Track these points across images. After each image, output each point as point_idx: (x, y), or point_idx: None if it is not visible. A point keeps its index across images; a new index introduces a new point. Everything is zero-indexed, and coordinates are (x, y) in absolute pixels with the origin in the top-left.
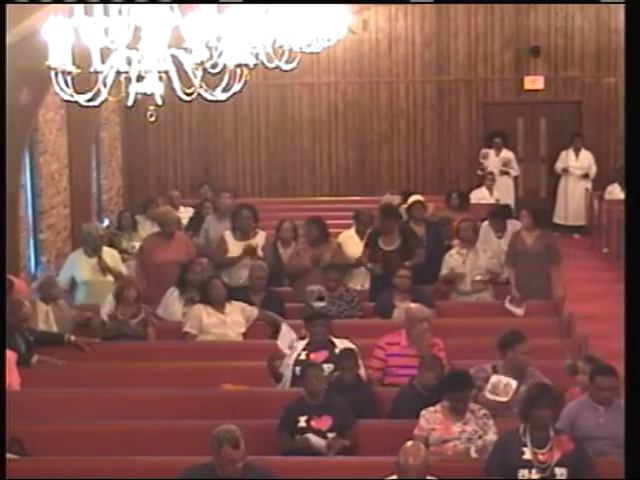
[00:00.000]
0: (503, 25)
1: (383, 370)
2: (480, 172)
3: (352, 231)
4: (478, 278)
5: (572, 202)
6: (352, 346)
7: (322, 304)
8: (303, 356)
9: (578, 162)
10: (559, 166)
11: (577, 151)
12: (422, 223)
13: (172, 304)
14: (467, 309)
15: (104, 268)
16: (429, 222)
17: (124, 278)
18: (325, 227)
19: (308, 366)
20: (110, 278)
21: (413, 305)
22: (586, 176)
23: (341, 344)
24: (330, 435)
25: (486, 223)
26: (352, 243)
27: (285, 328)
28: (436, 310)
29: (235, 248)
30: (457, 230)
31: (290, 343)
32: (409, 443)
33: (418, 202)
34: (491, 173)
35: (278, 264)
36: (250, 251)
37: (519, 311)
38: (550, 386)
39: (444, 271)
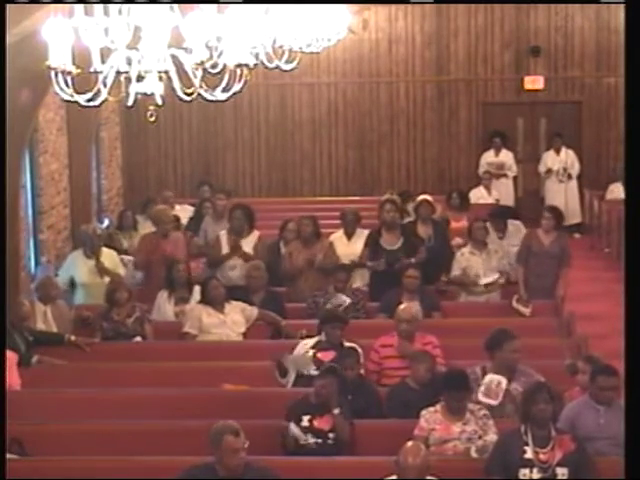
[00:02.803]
0: (503, 25)
1: (378, 372)
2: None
3: (341, 232)
4: (491, 280)
5: (568, 201)
6: (357, 347)
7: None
8: (310, 354)
9: (560, 162)
10: (542, 169)
11: (557, 151)
12: (429, 223)
13: (163, 305)
14: (473, 309)
15: (102, 270)
16: (436, 222)
17: (114, 281)
18: (318, 226)
19: (327, 370)
20: (108, 280)
21: (402, 305)
22: (569, 176)
23: (349, 345)
24: (331, 435)
25: (487, 224)
26: (340, 244)
27: (302, 356)
28: (442, 310)
29: (228, 248)
30: (469, 230)
31: (298, 368)
32: (409, 443)
33: (426, 201)
34: (488, 172)
35: (279, 264)
36: (236, 249)
37: (526, 310)
38: (546, 383)
39: (456, 271)
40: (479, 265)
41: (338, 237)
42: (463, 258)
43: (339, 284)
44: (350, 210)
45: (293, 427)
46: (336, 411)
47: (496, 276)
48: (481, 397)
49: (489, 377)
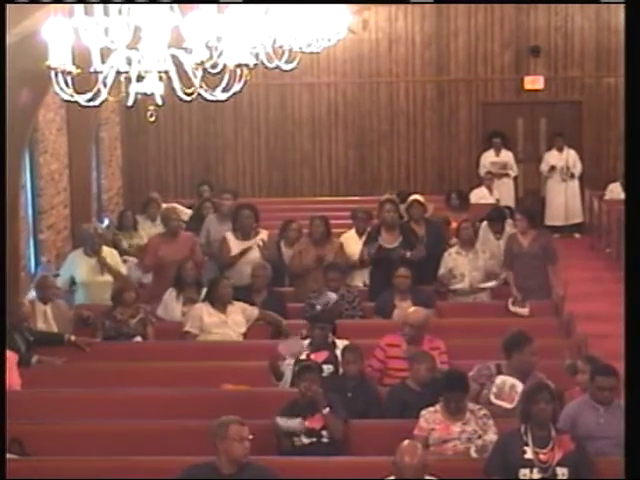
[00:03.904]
0: (503, 25)
1: (381, 371)
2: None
3: (352, 231)
4: (487, 285)
5: (568, 201)
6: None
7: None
8: (304, 356)
9: (562, 161)
10: (544, 168)
11: (560, 150)
12: (422, 223)
13: (170, 304)
14: (467, 309)
15: (103, 265)
16: (429, 222)
17: (122, 280)
18: (329, 226)
19: (304, 369)
20: (109, 278)
21: (411, 308)
22: (572, 175)
23: (342, 345)
24: (324, 433)
25: (485, 224)
26: (352, 243)
27: (294, 340)
28: (436, 310)
29: (236, 248)
30: (457, 230)
31: (294, 353)
32: (406, 442)
33: (417, 202)
34: (490, 172)
35: (281, 264)
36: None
37: (524, 311)
38: (547, 383)
39: (442, 270)
40: (465, 265)
41: (350, 236)
42: (450, 258)
43: (332, 283)
44: (361, 209)
45: (282, 421)
46: (326, 409)
47: (482, 282)
48: (493, 399)
49: (501, 379)
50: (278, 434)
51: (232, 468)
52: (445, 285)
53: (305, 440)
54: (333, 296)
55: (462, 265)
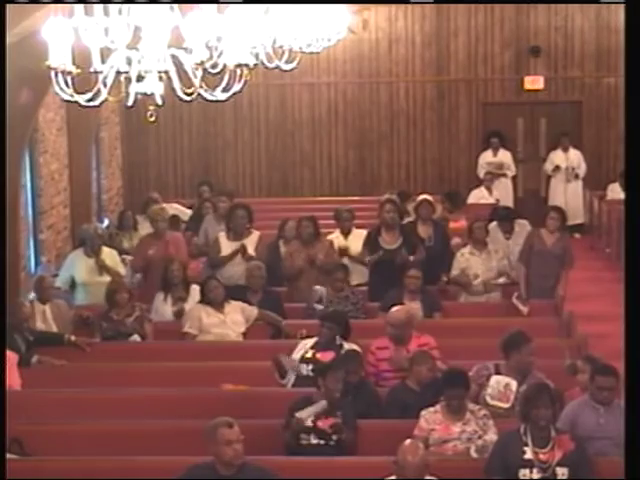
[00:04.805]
0: (503, 25)
1: (375, 375)
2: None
3: (337, 232)
4: (499, 281)
5: (569, 201)
6: (357, 348)
7: (320, 307)
8: (310, 354)
9: (567, 161)
10: (549, 167)
11: (565, 150)
12: (429, 223)
13: (161, 307)
14: (473, 309)
15: (102, 267)
16: (436, 222)
17: (115, 282)
18: (318, 226)
19: (327, 368)
20: (109, 278)
21: (393, 308)
22: (576, 176)
23: (349, 347)
24: (334, 437)
25: (494, 224)
26: (337, 243)
27: (288, 361)
28: (443, 311)
29: (228, 248)
30: (469, 230)
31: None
32: (407, 441)
33: (427, 201)
34: (490, 173)
35: (279, 264)
36: (241, 250)
37: (524, 309)
38: (548, 385)
39: (455, 272)
40: (478, 265)
41: (334, 237)
42: (463, 258)
43: (338, 283)
44: (343, 208)
45: (303, 413)
46: (339, 413)
47: (497, 279)
48: (489, 400)
49: (495, 379)
50: (289, 427)
51: (229, 469)
52: (460, 286)
53: (313, 440)
54: (322, 290)
55: (475, 265)
